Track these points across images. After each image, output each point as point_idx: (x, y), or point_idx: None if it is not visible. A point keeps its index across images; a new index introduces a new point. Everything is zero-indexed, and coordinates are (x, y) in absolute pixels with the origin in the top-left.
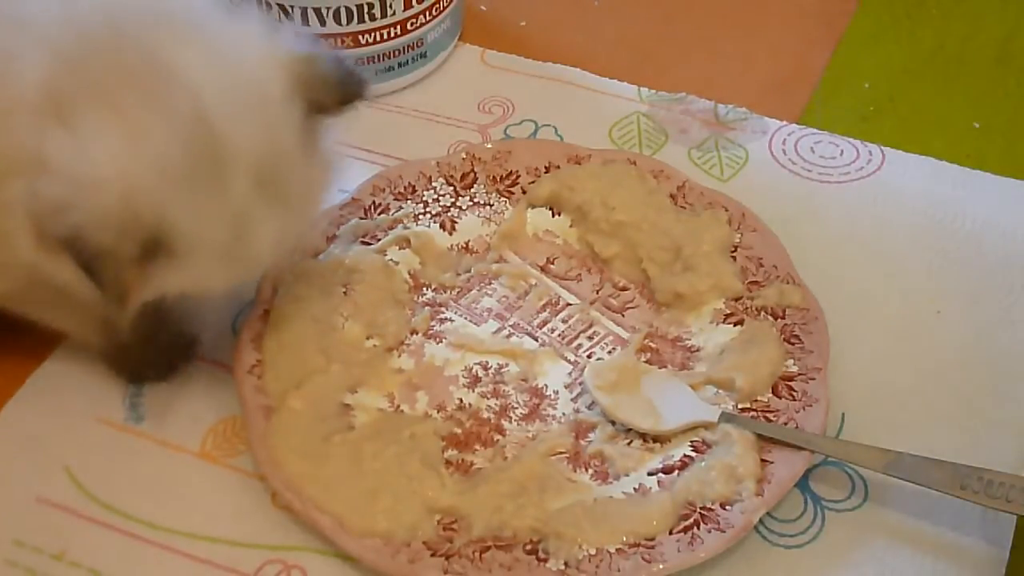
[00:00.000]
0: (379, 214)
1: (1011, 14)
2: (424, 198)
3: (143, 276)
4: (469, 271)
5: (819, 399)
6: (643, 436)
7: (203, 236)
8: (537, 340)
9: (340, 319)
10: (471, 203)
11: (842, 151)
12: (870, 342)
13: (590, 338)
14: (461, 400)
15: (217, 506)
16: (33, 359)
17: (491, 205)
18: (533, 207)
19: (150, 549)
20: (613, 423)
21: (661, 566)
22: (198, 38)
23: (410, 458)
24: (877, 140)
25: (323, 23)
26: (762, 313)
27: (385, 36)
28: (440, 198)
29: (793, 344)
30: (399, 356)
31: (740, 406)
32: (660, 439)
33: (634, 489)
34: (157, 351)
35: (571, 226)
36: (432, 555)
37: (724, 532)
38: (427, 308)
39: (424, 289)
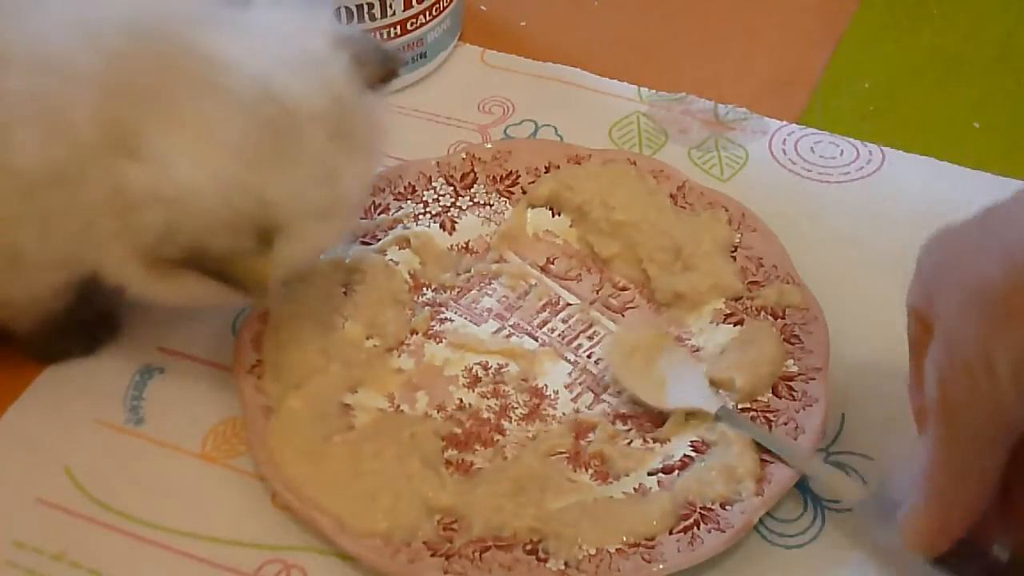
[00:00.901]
0: (379, 214)
1: (1011, 14)
2: (424, 198)
3: (270, 260)
4: (469, 271)
5: (819, 399)
6: (643, 436)
7: (304, 202)
8: (537, 340)
9: (340, 319)
10: (471, 203)
11: (842, 151)
12: (870, 342)
13: (590, 338)
14: (461, 400)
15: (217, 506)
16: (36, 365)
17: (491, 205)
18: (533, 207)
19: (150, 550)
20: (614, 423)
21: (661, 566)
22: (226, 26)
23: (410, 458)
24: (877, 140)
25: None
26: (762, 313)
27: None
28: (440, 198)
29: (793, 344)
30: (399, 356)
31: (740, 406)
32: (660, 438)
33: (634, 489)
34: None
35: (571, 226)
36: (432, 555)
37: (724, 532)
38: (427, 308)
39: (424, 289)
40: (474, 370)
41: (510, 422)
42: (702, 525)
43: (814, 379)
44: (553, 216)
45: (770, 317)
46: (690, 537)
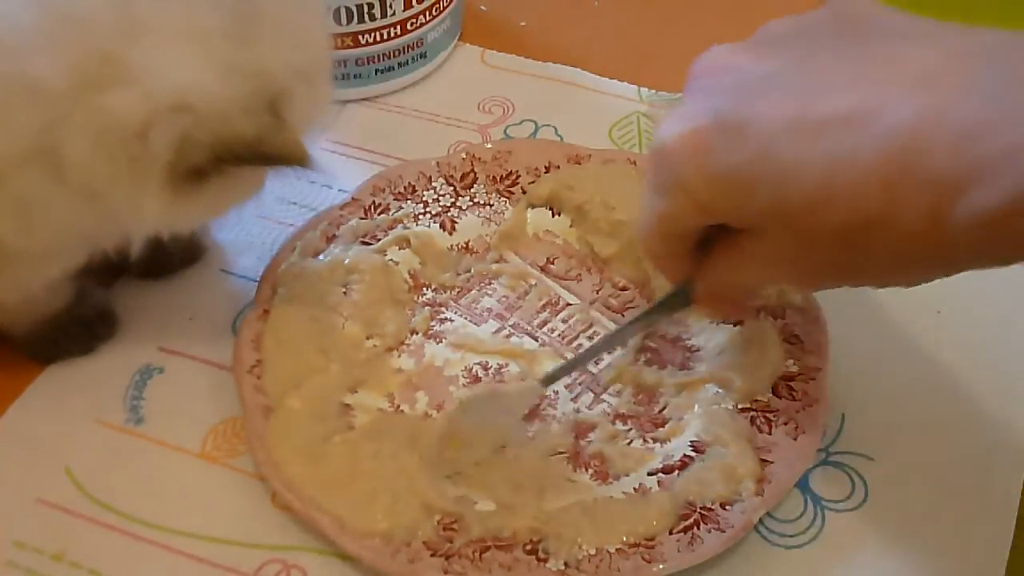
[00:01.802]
0: (379, 214)
1: (1010, 14)
2: (424, 198)
3: (290, 125)
4: (469, 271)
5: (819, 399)
6: (643, 436)
7: (292, 66)
8: (537, 340)
9: (340, 319)
10: (471, 203)
11: None
12: (870, 342)
13: (590, 338)
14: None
15: (217, 506)
16: (36, 365)
17: (491, 205)
18: (533, 207)
19: (150, 549)
20: (614, 423)
21: (661, 566)
22: None
23: (410, 458)
24: None
25: None
26: (762, 313)
27: (385, 36)
28: (440, 198)
29: (793, 344)
30: (399, 356)
31: (740, 406)
32: (660, 438)
33: (634, 489)
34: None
35: (571, 226)
36: (432, 555)
37: (724, 532)
38: (427, 308)
39: (424, 289)
40: (474, 370)
41: None
42: (702, 525)
43: (814, 379)
44: (553, 216)
45: (770, 317)
46: (690, 537)
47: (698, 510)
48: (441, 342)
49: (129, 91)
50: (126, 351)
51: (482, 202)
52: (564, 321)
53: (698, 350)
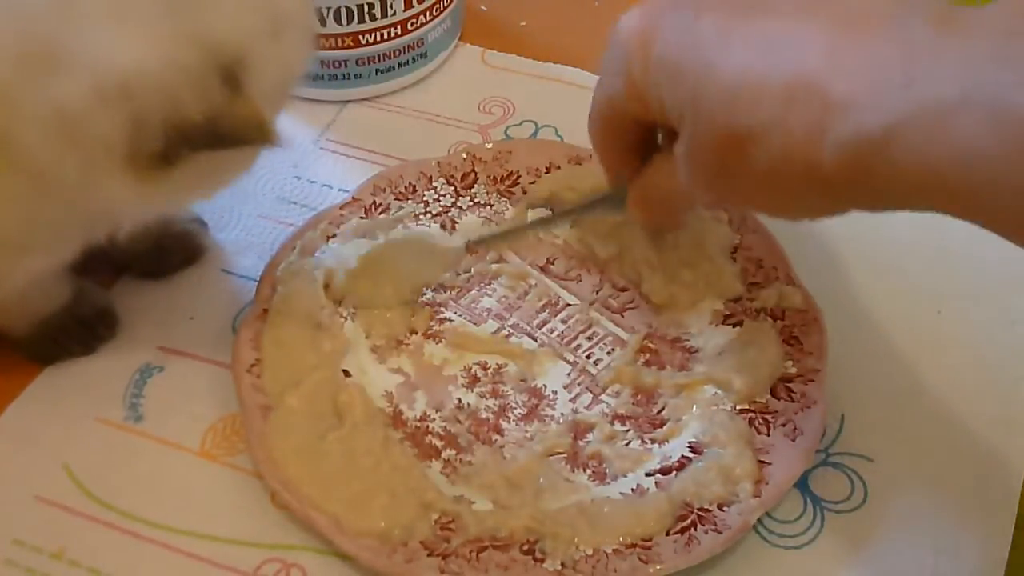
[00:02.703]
0: (379, 214)
1: None
2: (425, 198)
3: (252, 97)
4: (469, 271)
5: (818, 400)
6: (641, 437)
7: (246, 27)
8: (536, 340)
9: (339, 318)
10: (471, 203)
11: None
12: (870, 342)
13: (589, 338)
14: (460, 400)
15: (216, 505)
16: (36, 364)
17: (491, 205)
18: (533, 207)
19: (149, 547)
20: (612, 423)
21: (658, 567)
22: None
23: (407, 458)
24: None
25: (323, 23)
26: (761, 314)
27: (385, 36)
28: (441, 198)
29: (792, 345)
30: (398, 356)
31: (738, 407)
32: (658, 439)
33: (632, 490)
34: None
35: (571, 226)
36: (429, 555)
37: (721, 533)
38: (427, 308)
39: (424, 289)
40: (473, 370)
41: (508, 422)
42: (699, 526)
43: (813, 381)
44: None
45: (769, 319)
46: (687, 538)
47: (695, 511)
48: (440, 342)
49: (71, 77)
50: (126, 350)
51: (483, 202)
52: (564, 322)
53: (697, 351)
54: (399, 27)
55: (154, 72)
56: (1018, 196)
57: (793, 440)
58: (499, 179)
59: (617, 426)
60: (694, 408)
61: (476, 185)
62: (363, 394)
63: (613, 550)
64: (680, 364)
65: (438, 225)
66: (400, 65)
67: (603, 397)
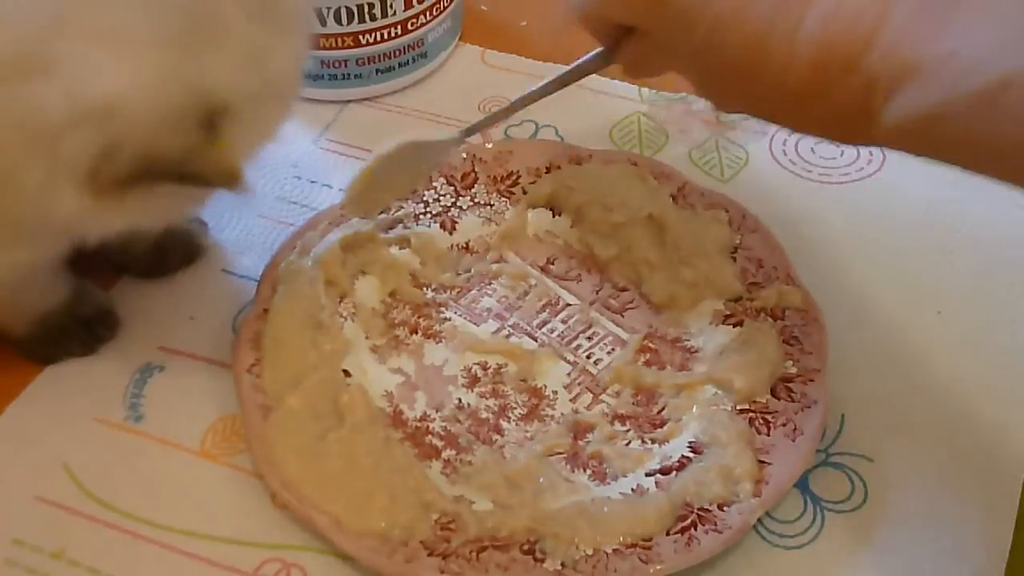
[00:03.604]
0: (379, 213)
1: None
2: (425, 198)
3: (227, 145)
4: (469, 271)
5: (817, 400)
6: (641, 437)
7: (238, 85)
8: (536, 340)
9: (339, 318)
10: (472, 203)
11: (842, 152)
12: (870, 342)
13: (589, 339)
14: (460, 400)
15: (216, 504)
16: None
17: (492, 205)
18: (533, 207)
19: (149, 547)
20: (612, 423)
21: (658, 567)
22: None
23: (407, 458)
24: None
25: (323, 23)
26: (761, 314)
27: (385, 36)
28: (441, 198)
29: (792, 345)
30: (398, 356)
31: (739, 407)
32: (658, 439)
33: (632, 490)
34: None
35: (571, 227)
36: (429, 555)
37: (721, 533)
38: (427, 308)
39: (424, 289)
40: (473, 370)
41: (509, 422)
42: (699, 526)
43: (813, 380)
44: (553, 217)
45: (769, 318)
46: (687, 538)
47: (695, 511)
48: (440, 342)
49: (51, 87)
50: (126, 350)
51: (483, 202)
52: (564, 322)
53: (697, 351)
54: (399, 27)
55: (138, 101)
56: None
57: (793, 440)
58: (499, 179)
59: (617, 426)
60: (694, 408)
61: (476, 185)
62: (363, 394)
63: (613, 550)
64: (680, 364)
65: (438, 225)
66: (400, 65)
67: (603, 397)
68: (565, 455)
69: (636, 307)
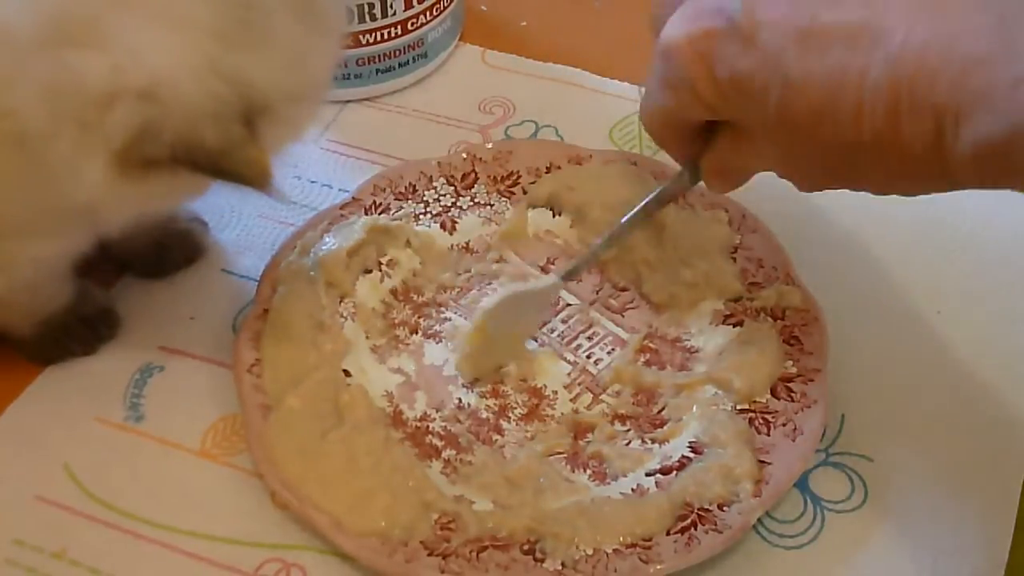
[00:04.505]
0: (380, 214)
1: None
2: (425, 198)
3: (263, 147)
4: (469, 271)
5: (817, 400)
6: (642, 437)
7: (280, 84)
8: (536, 340)
9: (339, 318)
10: (472, 203)
11: None
12: (870, 342)
13: (589, 339)
14: (460, 400)
15: (217, 504)
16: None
17: (492, 205)
18: (534, 207)
19: (150, 547)
20: (612, 423)
21: (658, 567)
22: None
23: (407, 457)
24: None
25: None
26: (761, 314)
27: (385, 36)
28: (441, 198)
29: (792, 345)
30: (399, 356)
31: (739, 407)
32: (658, 439)
33: (632, 490)
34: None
35: (571, 227)
36: (429, 554)
37: (721, 533)
38: (426, 308)
39: (424, 289)
40: None
41: (509, 422)
42: (699, 526)
43: (813, 380)
44: (554, 216)
45: (770, 318)
46: (687, 538)
47: (696, 511)
48: (441, 342)
49: (98, 58)
50: (127, 350)
51: (483, 202)
52: (564, 321)
53: (697, 351)
54: (399, 27)
55: (184, 86)
56: None
57: (793, 440)
58: (499, 179)
59: (617, 426)
60: (694, 408)
61: (476, 185)
62: (364, 394)
63: (613, 550)
64: (680, 364)
65: (438, 225)
66: (400, 65)
67: (603, 397)
68: (565, 455)
69: (636, 307)
